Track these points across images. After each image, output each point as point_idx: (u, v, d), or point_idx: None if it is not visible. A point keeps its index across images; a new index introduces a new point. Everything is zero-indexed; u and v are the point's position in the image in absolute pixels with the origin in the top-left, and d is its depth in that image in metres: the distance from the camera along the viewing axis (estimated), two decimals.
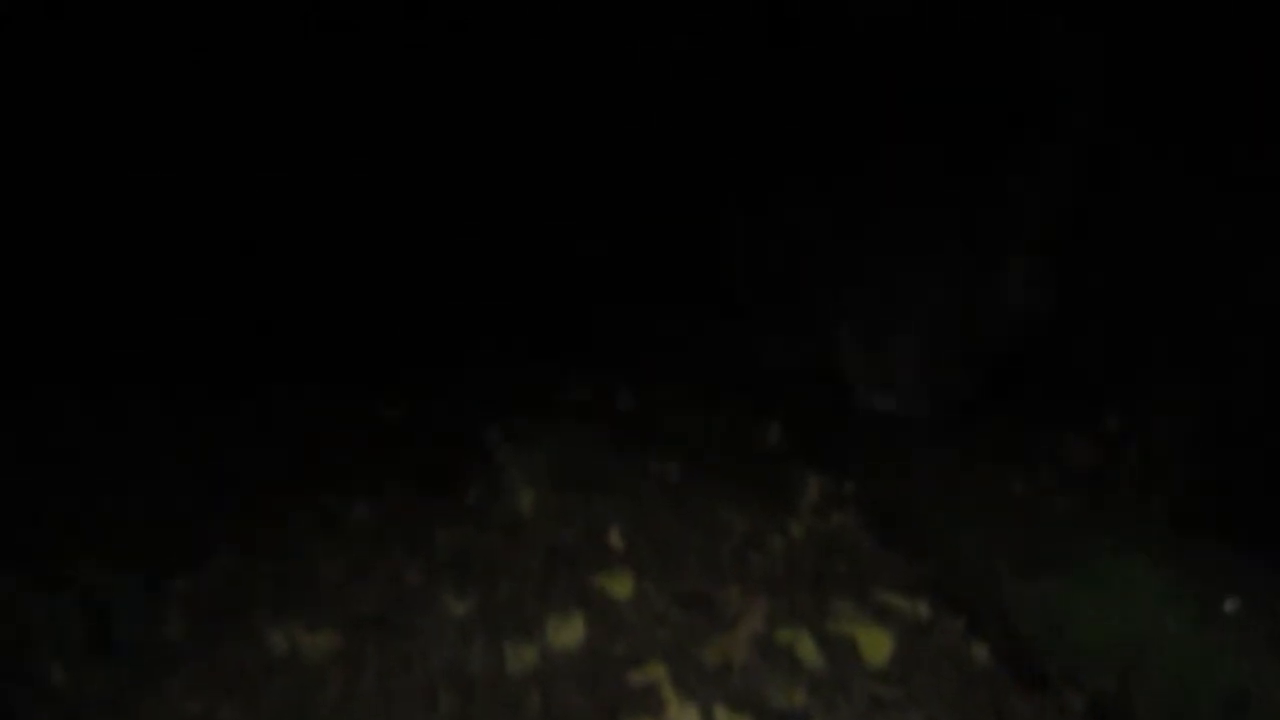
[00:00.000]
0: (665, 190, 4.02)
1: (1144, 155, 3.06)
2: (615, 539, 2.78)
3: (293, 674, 2.41)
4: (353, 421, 3.85)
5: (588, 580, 2.67)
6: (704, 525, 2.88)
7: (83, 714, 2.30)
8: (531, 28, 4.19)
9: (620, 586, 2.62)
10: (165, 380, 3.72)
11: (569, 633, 2.46)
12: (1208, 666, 2.11)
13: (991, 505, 2.65)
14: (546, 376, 4.20)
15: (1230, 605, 2.19)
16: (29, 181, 3.86)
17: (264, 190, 4.24)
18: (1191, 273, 3.00)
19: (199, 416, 3.56)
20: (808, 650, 2.47)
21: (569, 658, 2.43)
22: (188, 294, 4.15)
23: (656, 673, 2.38)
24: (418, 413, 3.92)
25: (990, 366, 3.21)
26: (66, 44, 3.88)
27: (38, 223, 3.92)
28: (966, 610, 2.57)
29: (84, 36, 3.89)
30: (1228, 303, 2.90)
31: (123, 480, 3.09)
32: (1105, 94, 3.05)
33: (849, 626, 2.54)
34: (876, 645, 2.48)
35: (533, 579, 2.67)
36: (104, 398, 3.57)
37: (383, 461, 3.49)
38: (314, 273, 4.56)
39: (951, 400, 3.20)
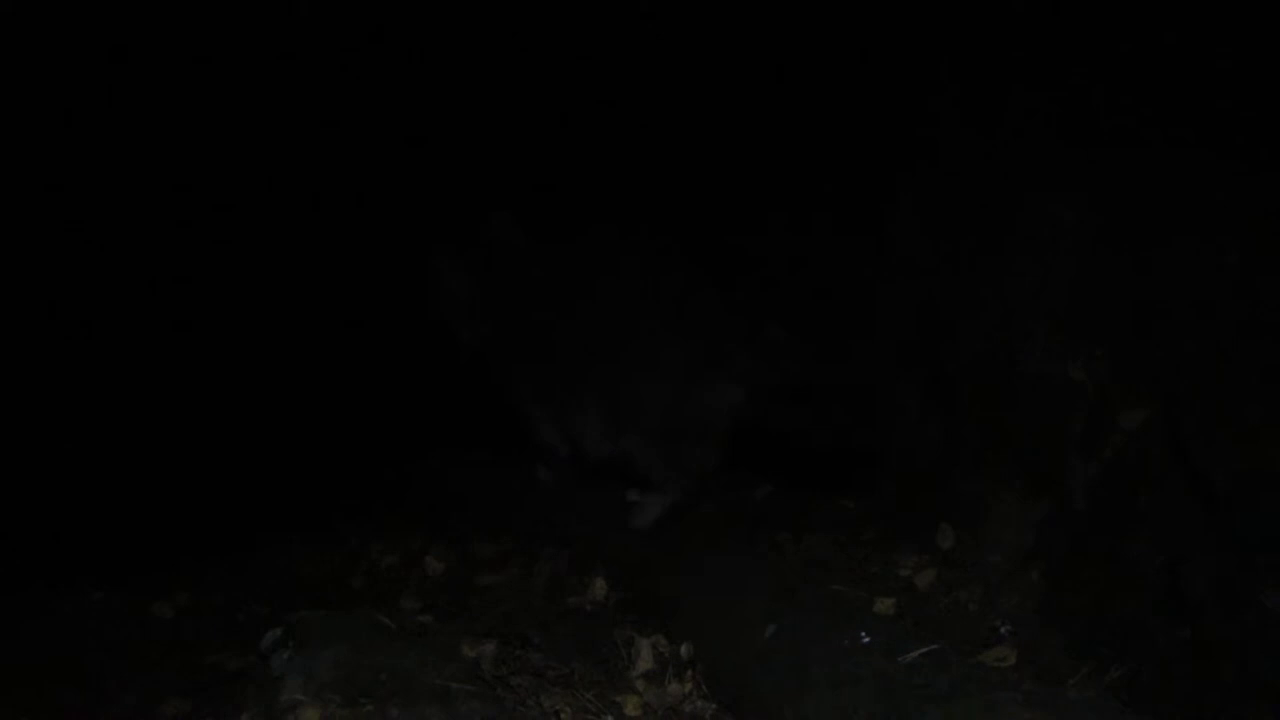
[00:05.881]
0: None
1: None
2: None
3: None
4: (123, 622, 3.37)
5: None
6: None
7: None
8: None
9: None
10: None
11: None
12: None
13: (840, 660, 2.34)
14: (350, 546, 3.79)
15: None
16: None
17: None
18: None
19: None
20: None
21: None
22: None
23: None
24: (196, 608, 3.45)
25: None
26: None
27: None
28: None
29: None
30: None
31: None
32: None
33: None
34: None
35: None
36: None
37: (151, 674, 3.02)
38: (77, 448, 4.14)
39: (691, 473, 3.22)
